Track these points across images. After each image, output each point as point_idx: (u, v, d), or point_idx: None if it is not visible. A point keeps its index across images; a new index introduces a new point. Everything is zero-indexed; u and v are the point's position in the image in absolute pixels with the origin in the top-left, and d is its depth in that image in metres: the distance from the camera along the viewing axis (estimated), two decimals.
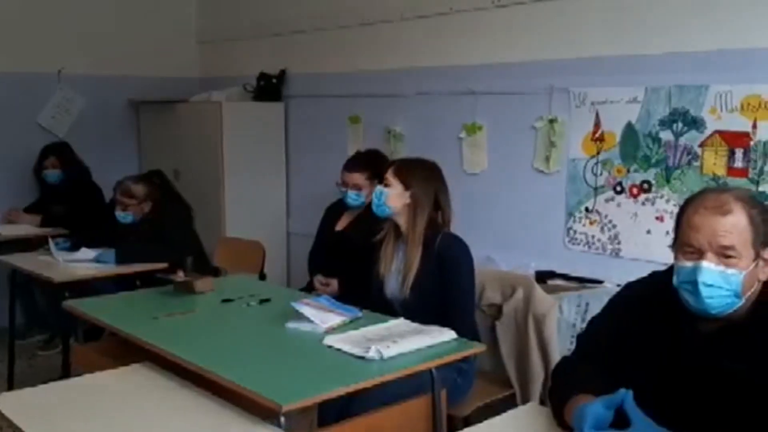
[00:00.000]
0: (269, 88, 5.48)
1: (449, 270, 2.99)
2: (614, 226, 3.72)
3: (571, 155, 3.85)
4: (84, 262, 3.95)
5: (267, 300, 3.17)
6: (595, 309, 2.29)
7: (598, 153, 3.75)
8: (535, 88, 3.97)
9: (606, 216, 3.74)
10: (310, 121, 5.37)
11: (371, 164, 4.02)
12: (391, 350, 2.39)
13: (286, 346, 2.62)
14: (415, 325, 2.71)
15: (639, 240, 3.62)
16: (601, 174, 3.75)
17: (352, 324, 2.76)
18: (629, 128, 3.63)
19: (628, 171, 3.64)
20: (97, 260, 3.95)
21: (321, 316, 2.73)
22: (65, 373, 3.67)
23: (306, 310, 2.74)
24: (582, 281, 3.71)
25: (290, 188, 5.60)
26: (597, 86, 3.72)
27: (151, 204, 4.21)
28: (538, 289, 3.21)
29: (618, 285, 2.43)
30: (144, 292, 3.40)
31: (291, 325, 2.75)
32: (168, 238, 4.05)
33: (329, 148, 5.18)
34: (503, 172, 4.19)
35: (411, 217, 3.06)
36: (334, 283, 3.90)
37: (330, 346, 2.51)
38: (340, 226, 4.11)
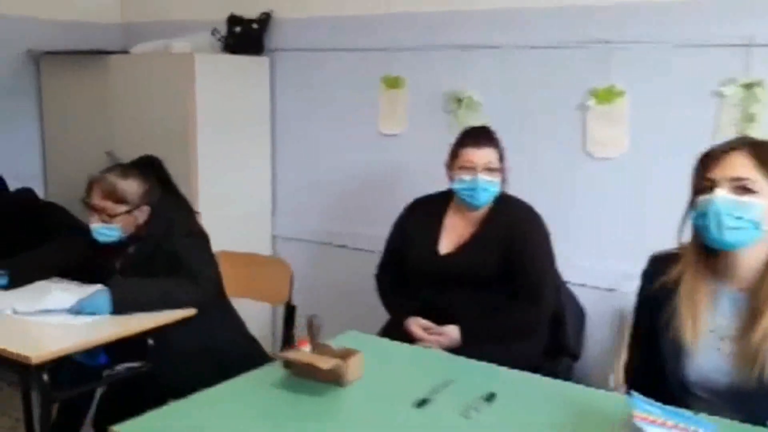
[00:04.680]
0: (248, 36, 3.93)
1: None
2: None
3: None
4: (56, 315, 2.34)
5: (492, 396, 1.80)
6: None
7: None
8: (721, 37, 2.80)
9: None
10: (310, 85, 3.89)
11: (496, 139, 2.76)
12: None
13: None
14: None
15: None
16: None
17: None
18: None
19: None
20: (78, 310, 2.35)
21: None
22: None
23: None
24: None
25: (276, 177, 4.10)
26: None
27: (148, 211, 2.64)
28: None
29: None
30: (235, 386, 1.91)
31: None
32: (187, 266, 2.53)
33: (346, 123, 3.79)
34: (655, 156, 3.00)
35: None
36: (452, 332, 2.61)
37: None
38: (454, 236, 2.76)
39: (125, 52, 3.90)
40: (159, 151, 3.70)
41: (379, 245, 3.69)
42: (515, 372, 2.01)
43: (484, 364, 2.06)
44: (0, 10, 3.97)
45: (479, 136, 2.75)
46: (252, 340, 2.93)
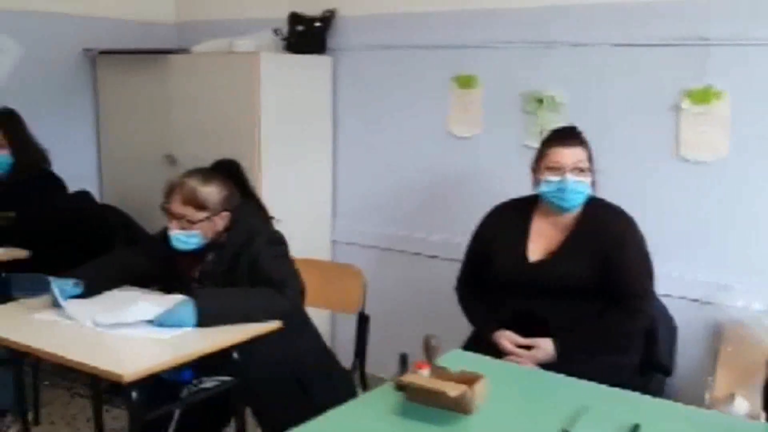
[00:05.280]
0: (310, 35, 3.80)
1: None
2: None
3: None
4: (138, 328, 2.21)
5: (637, 428, 1.65)
6: None
7: None
8: None
9: None
10: (374, 85, 3.75)
11: (583, 138, 2.61)
12: None
13: None
14: None
15: None
16: None
17: None
18: None
19: None
20: (162, 323, 2.22)
21: None
22: None
23: None
24: None
25: (337, 181, 3.97)
26: None
27: (228, 217, 2.51)
28: None
29: None
30: (349, 413, 1.77)
31: None
32: (271, 276, 2.40)
33: (413, 124, 3.64)
34: (756, 161, 2.84)
35: None
36: (546, 346, 2.47)
37: None
38: (543, 243, 2.61)
39: (185, 51, 3.78)
40: (220, 153, 3.58)
41: (447, 251, 3.56)
42: (648, 398, 1.85)
43: (616, 390, 1.90)
44: (54, 8, 3.85)
45: (567, 135, 2.60)
46: (329, 353, 2.79)
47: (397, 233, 3.74)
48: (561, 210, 2.57)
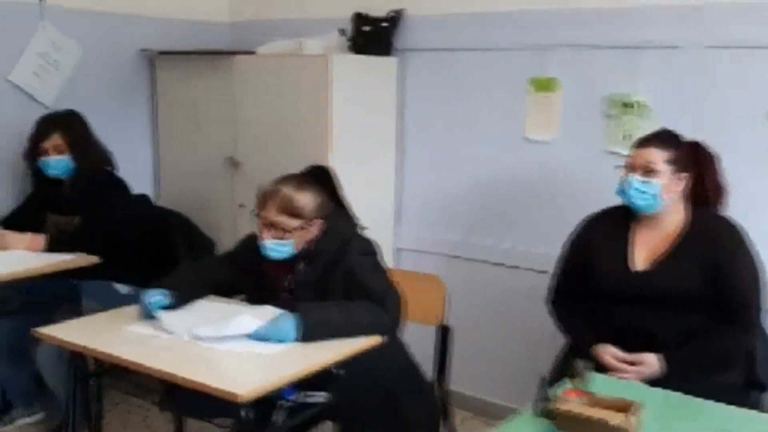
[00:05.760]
0: (377, 35, 3.69)
1: None
2: None
3: None
4: (237, 342, 2.10)
5: None
6: None
7: None
8: None
9: None
10: (443, 87, 3.63)
11: (670, 141, 2.50)
12: None
13: None
14: None
15: None
16: None
17: None
18: None
19: None
20: (262, 337, 2.11)
21: None
22: None
23: None
24: None
25: (402, 186, 3.85)
26: None
27: (321, 225, 2.40)
28: None
29: None
30: None
31: None
32: (368, 288, 2.29)
33: (484, 128, 3.52)
34: None
35: None
36: (652, 362, 2.36)
37: None
38: (647, 252, 2.49)
39: (250, 52, 3.67)
40: (286, 156, 3.50)
41: (521, 260, 3.45)
42: None
43: (752, 412, 1.78)
44: (109, 8, 3.76)
45: (649, 137, 2.53)
46: (416, 366, 2.68)
47: (467, 241, 3.63)
48: (638, 210, 2.49)
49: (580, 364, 1.66)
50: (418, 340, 3.42)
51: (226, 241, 3.73)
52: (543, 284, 2.91)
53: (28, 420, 3.35)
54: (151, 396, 3.63)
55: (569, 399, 1.62)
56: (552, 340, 3.19)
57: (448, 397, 2.82)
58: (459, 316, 2.92)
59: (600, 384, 1.78)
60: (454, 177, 3.63)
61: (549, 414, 1.63)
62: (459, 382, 3.16)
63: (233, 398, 1.78)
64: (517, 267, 3.47)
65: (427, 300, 2.85)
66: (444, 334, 2.81)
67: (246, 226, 3.64)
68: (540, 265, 3.29)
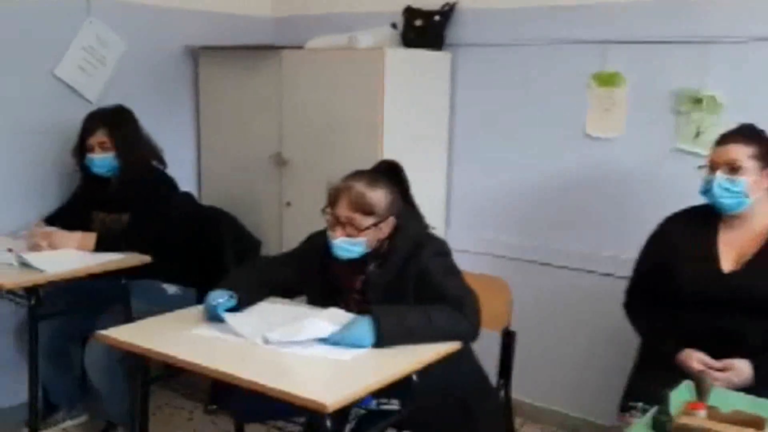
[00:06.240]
0: (429, 30, 3.57)
1: None
2: None
3: None
4: (311, 346, 1.99)
5: None
6: None
7: None
8: None
9: None
10: (497, 82, 3.51)
11: (754, 136, 2.38)
12: None
13: None
14: None
15: None
16: None
17: None
18: None
19: None
20: (338, 342, 2.00)
21: None
22: None
23: None
24: None
25: (452, 185, 3.73)
26: None
27: (393, 223, 2.29)
28: None
29: None
30: None
31: None
32: (445, 291, 2.18)
33: (541, 125, 3.40)
34: None
35: None
36: (743, 368, 2.25)
37: None
38: (735, 253, 2.37)
39: (298, 47, 3.57)
40: (336, 152, 3.39)
41: (582, 262, 3.32)
42: None
43: None
44: (153, 2, 3.66)
45: (731, 132, 2.42)
46: (485, 374, 2.56)
47: (523, 242, 3.50)
48: (724, 211, 2.38)
49: (704, 377, 1.53)
50: (478, 345, 3.30)
51: (272, 240, 3.64)
52: (608, 288, 2.79)
53: (72, 423, 3.27)
54: (195, 397, 3.55)
55: (693, 413, 1.50)
56: (616, 346, 3.08)
57: (510, 404, 2.71)
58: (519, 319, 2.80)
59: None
60: (509, 175, 3.52)
61: (658, 425, 1.50)
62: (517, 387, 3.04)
63: (321, 408, 1.67)
64: (580, 269, 3.34)
65: (491, 303, 2.73)
66: (508, 338, 2.69)
67: (293, 225, 3.57)
68: (605, 268, 3.17)
